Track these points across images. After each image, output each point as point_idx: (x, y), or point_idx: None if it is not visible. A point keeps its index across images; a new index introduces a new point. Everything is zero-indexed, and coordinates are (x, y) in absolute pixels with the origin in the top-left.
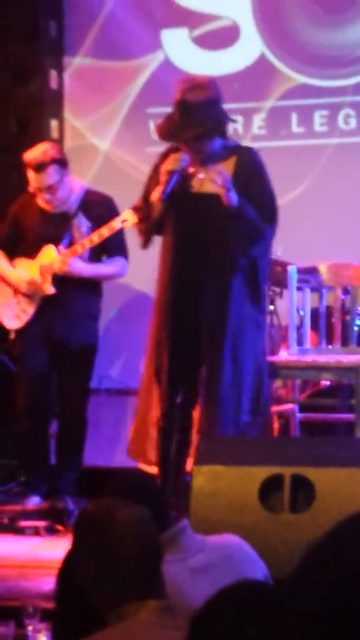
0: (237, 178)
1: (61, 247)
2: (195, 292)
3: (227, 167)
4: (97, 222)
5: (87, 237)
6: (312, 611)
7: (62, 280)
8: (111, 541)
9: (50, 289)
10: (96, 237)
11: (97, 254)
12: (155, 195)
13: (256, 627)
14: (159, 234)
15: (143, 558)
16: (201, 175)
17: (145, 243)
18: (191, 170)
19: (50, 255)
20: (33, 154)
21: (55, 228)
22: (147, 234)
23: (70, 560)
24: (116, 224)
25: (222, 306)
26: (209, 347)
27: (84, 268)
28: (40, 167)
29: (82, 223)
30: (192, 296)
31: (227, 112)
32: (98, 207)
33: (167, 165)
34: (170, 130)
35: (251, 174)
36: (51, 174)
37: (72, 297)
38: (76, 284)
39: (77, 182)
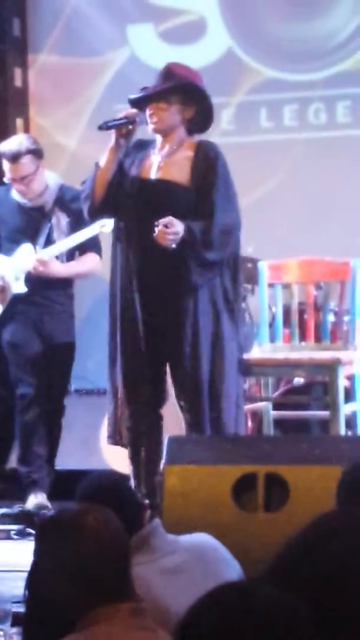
0: (194, 169)
1: (38, 246)
2: (159, 290)
3: (184, 156)
4: (77, 216)
5: (66, 238)
6: (300, 614)
7: (39, 279)
8: (77, 546)
9: (22, 288)
10: (74, 240)
11: (70, 250)
12: (103, 159)
13: (242, 632)
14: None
15: (110, 562)
16: (160, 162)
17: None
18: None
19: (27, 254)
20: (8, 144)
21: (32, 222)
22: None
23: (38, 566)
24: (96, 228)
25: (192, 305)
26: (176, 346)
27: (60, 269)
28: (15, 158)
29: (61, 219)
30: (154, 294)
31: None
32: (76, 202)
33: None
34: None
35: (208, 168)
36: (26, 165)
37: (53, 295)
38: (55, 282)
39: (52, 175)
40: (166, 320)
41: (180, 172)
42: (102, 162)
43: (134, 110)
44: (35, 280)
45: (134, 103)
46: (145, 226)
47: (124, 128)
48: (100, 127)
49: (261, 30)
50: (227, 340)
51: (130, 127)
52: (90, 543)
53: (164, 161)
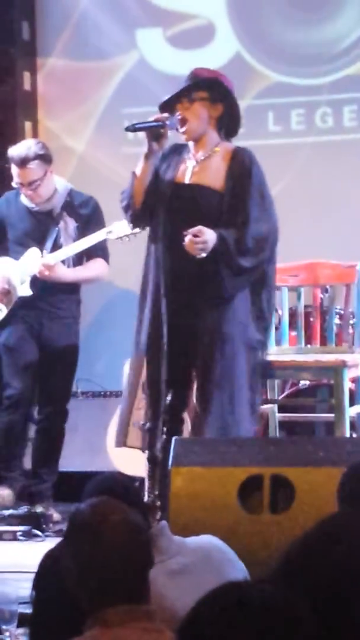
0: (229, 176)
1: (45, 251)
2: (187, 295)
3: (219, 161)
4: (85, 222)
5: (73, 243)
6: (301, 615)
7: (45, 282)
8: (102, 543)
9: (27, 291)
10: (81, 245)
11: (78, 255)
12: (139, 167)
13: (242, 632)
14: (146, 222)
15: (132, 563)
16: (195, 166)
17: (134, 219)
18: (182, 132)
19: (34, 259)
20: (17, 149)
21: (40, 226)
22: (135, 207)
23: (46, 565)
24: (102, 234)
25: (220, 311)
26: (203, 351)
27: (66, 273)
28: (23, 163)
29: (69, 224)
30: (183, 299)
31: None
32: (84, 207)
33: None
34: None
35: (244, 175)
36: (34, 170)
37: (57, 300)
38: (61, 287)
39: (61, 180)
40: (192, 325)
41: (215, 178)
42: (138, 170)
43: (165, 114)
44: (40, 284)
45: (163, 108)
46: (176, 230)
47: (154, 131)
48: (128, 129)
49: (269, 34)
50: (253, 349)
51: (162, 130)
52: (115, 541)
53: (199, 166)
